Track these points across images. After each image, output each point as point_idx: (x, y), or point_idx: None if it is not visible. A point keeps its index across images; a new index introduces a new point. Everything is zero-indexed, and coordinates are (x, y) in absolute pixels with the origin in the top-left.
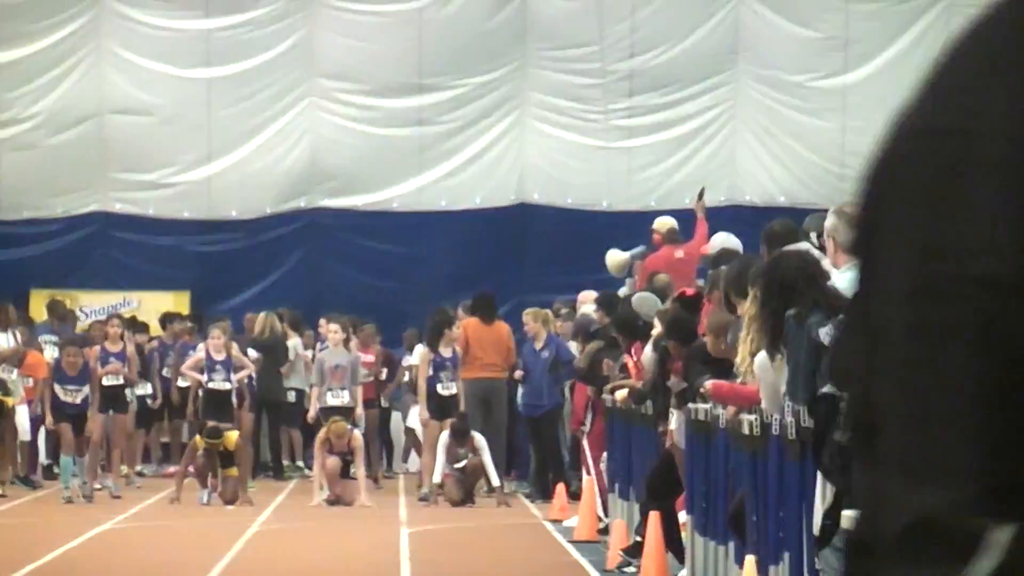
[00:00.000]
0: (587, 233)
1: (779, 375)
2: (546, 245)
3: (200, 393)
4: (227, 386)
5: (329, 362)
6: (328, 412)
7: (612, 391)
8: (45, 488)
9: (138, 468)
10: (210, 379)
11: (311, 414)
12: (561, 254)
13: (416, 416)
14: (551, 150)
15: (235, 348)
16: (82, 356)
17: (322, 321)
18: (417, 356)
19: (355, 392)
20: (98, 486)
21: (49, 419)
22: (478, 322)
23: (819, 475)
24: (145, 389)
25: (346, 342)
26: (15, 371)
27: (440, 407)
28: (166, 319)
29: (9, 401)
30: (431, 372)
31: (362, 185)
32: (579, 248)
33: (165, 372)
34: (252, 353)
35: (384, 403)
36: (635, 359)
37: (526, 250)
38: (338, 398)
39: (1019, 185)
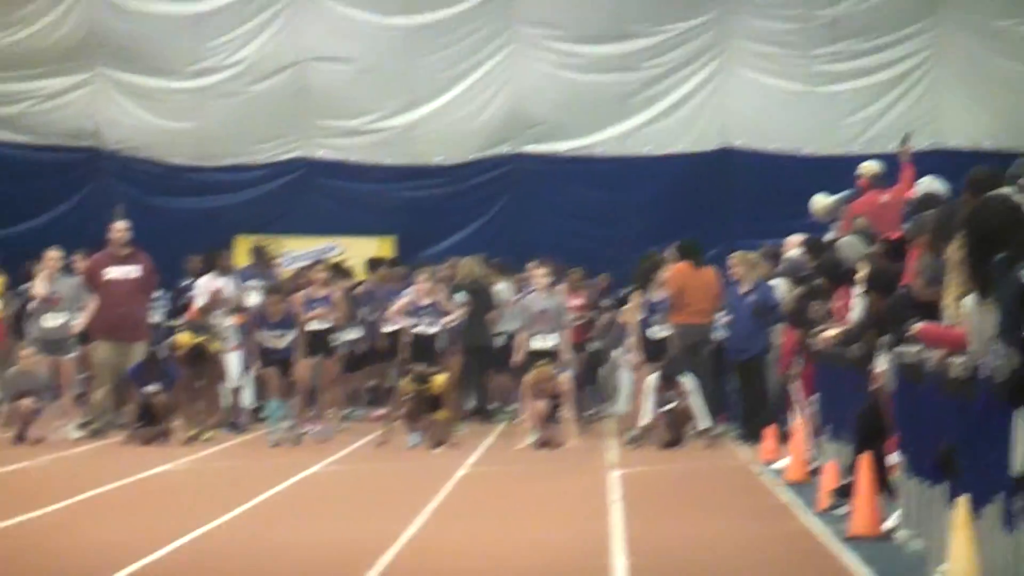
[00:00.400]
0: (791, 178)
1: (986, 319)
2: (750, 191)
3: (407, 338)
4: (433, 331)
5: (535, 306)
6: (534, 356)
7: (819, 335)
8: (252, 432)
9: (345, 412)
10: (417, 324)
11: (517, 358)
12: (765, 200)
13: (623, 359)
14: (754, 96)
15: (442, 293)
16: (286, 302)
17: (529, 265)
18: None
19: (561, 335)
20: (305, 430)
21: (257, 364)
22: (687, 267)
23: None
24: (352, 334)
25: (552, 286)
26: (230, 318)
27: (651, 350)
28: (373, 264)
29: (214, 346)
30: (643, 316)
31: (565, 131)
32: (783, 193)
33: (371, 317)
34: (458, 298)
35: (593, 346)
36: (841, 303)
37: (730, 196)
38: (544, 341)
39: None
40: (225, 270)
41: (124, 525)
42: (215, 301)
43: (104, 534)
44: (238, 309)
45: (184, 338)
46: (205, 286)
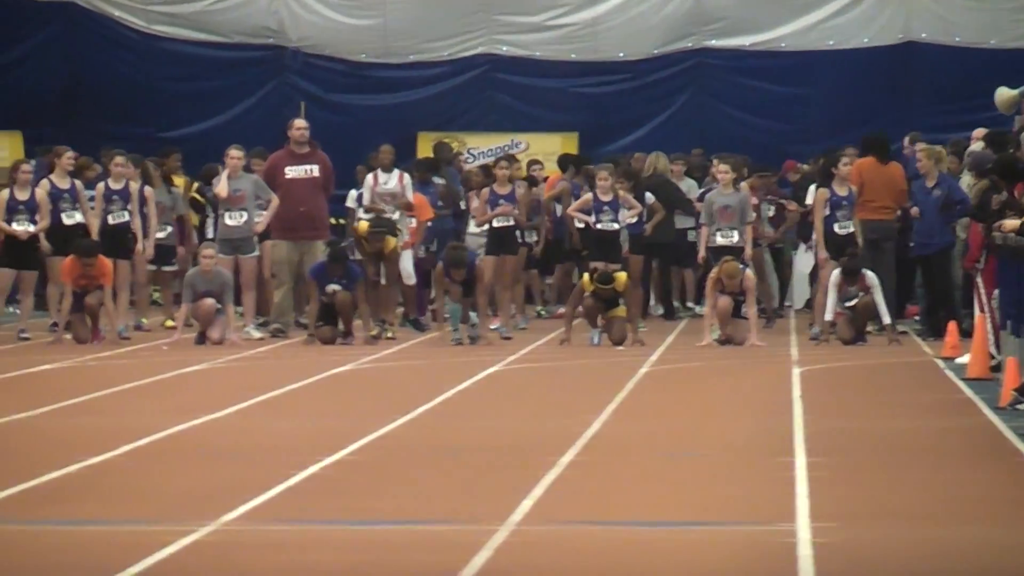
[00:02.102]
0: (975, 71)
1: None
2: (934, 84)
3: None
4: (615, 227)
5: (718, 202)
6: (717, 252)
7: (1000, 227)
8: (433, 331)
9: (526, 310)
10: (598, 220)
11: (701, 254)
12: (949, 93)
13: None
14: None
15: (622, 189)
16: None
17: (714, 160)
18: (810, 196)
19: (744, 232)
20: (493, 326)
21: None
22: (872, 162)
23: None
24: (529, 236)
25: (735, 182)
26: (398, 212)
27: (836, 246)
28: (563, 161)
29: (391, 242)
30: (827, 211)
31: (748, 26)
32: (967, 86)
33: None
34: (648, 198)
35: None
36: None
37: (914, 89)
38: (727, 238)
39: None
40: (388, 168)
41: (306, 425)
42: (382, 199)
43: (286, 434)
44: (404, 206)
45: (364, 225)
46: (370, 183)
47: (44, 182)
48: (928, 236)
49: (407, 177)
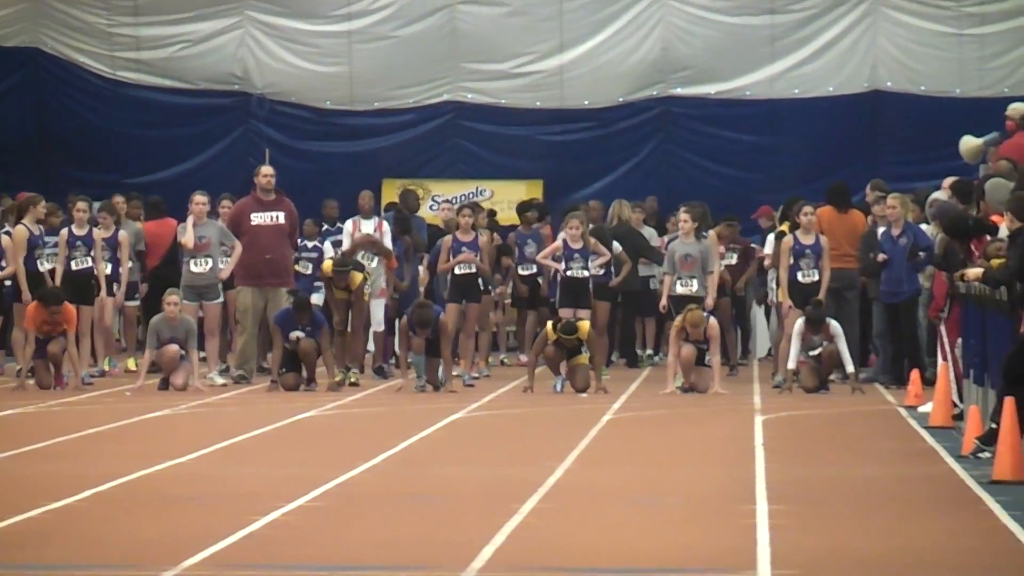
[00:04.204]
0: (940, 120)
1: None
2: (899, 133)
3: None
4: (584, 274)
5: (679, 251)
6: (678, 301)
7: (962, 277)
8: (396, 378)
9: (489, 357)
10: (568, 268)
11: (662, 303)
12: (914, 141)
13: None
14: (903, 38)
15: (592, 238)
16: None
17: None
18: (768, 246)
19: (707, 281)
20: (455, 373)
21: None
22: (832, 211)
23: None
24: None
25: (698, 231)
26: (375, 259)
27: (799, 295)
28: (521, 208)
29: (357, 278)
30: (791, 260)
31: (714, 74)
32: (932, 135)
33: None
34: (616, 246)
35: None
36: (976, 254)
37: (880, 138)
38: (687, 287)
39: None
40: (366, 212)
41: (269, 471)
42: (361, 243)
43: (248, 480)
44: (382, 253)
45: (328, 264)
46: (349, 229)
47: (20, 228)
48: (896, 284)
49: (385, 224)
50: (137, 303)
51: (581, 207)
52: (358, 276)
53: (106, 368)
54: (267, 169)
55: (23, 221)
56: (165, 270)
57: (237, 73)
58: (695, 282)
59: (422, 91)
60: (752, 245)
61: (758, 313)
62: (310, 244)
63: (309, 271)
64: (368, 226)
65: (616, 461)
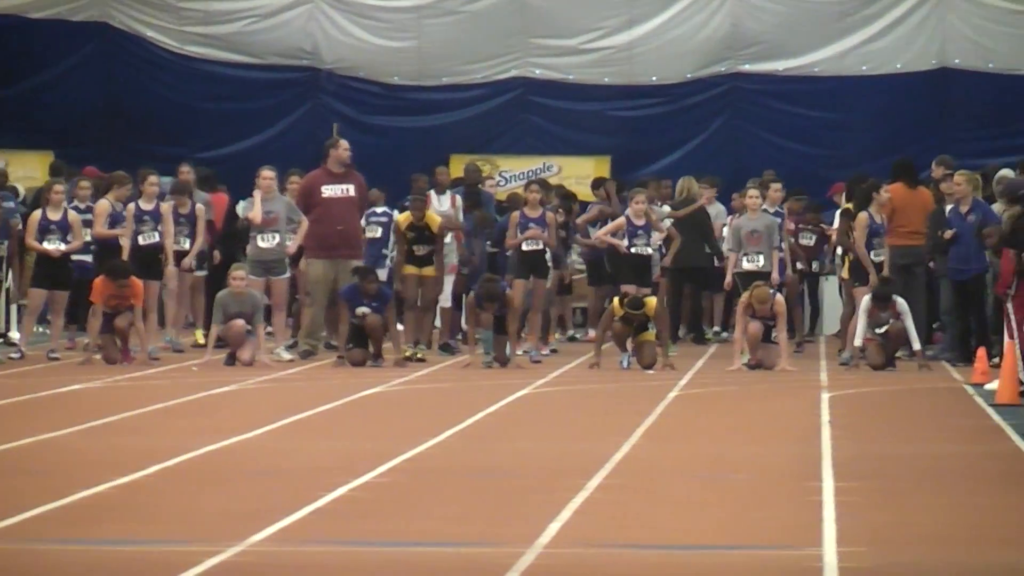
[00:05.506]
0: (1009, 98)
1: None
2: (968, 110)
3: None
4: (648, 251)
5: (745, 227)
6: (744, 277)
7: None
8: (464, 354)
9: (557, 334)
10: (631, 244)
11: (727, 279)
12: (983, 119)
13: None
14: (973, 15)
15: (654, 213)
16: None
17: (750, 185)
18: (836, 220)
19: (772, 257)
20: (519, 352)
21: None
22: (902, 187)
23: None
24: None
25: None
26: (449, 235)
27: (863, 272)
28: (596, 184)
29: (435, 218)
30: (865, 238)
31: (783, 50)
32: (1001, 113)
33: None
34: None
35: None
36: None
37: (948, 115)
38: (753, 263)
39: None
40: (440, 187)
41: (336, 446)
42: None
43: (315, 455)
44: (454, 227)
45: (405, 216)
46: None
47: (103, 202)
48: (964, 262)
49: (459, 199)
50: (205, 272)
51: (651, 183)
52: (436, 217)
53: (174, 339)
54: (345, 142)
55: (107, 196)
56: (221, 244)
57: (306, 48)
58: (761, 258)
59: (491, 67)
60: (822, 224)
61: (827, 289)
62: (379, 210)
63: (379, 234)
64: (443, 201)
65: (682, 437)
